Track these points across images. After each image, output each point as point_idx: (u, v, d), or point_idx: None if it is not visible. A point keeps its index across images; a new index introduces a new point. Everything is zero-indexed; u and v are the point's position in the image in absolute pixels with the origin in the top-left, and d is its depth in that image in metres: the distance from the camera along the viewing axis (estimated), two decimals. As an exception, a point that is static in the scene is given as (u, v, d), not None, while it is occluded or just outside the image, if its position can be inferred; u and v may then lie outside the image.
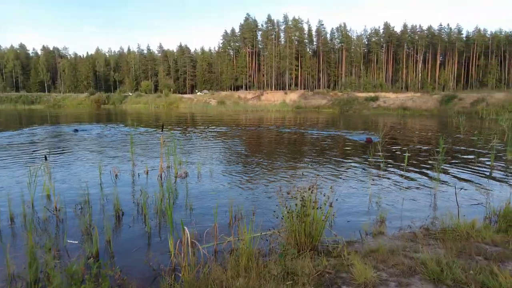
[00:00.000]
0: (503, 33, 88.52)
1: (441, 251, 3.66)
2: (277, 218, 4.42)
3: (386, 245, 4.10)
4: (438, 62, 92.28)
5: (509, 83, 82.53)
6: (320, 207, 4.22)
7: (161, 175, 8.69)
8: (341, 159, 11.54)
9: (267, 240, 4.51)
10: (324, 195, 4.41)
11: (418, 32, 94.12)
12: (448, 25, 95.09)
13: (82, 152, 12.73)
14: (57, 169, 9.65)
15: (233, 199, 6.07)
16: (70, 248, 4.74)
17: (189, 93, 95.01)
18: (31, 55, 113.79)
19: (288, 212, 4.20)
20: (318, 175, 9.08)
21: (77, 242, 4.78)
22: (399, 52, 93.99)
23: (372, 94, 60.39)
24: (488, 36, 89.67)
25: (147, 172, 9.15)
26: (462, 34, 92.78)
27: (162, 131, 9.08)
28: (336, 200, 4.97)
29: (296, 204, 4.23)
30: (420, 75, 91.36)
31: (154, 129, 22.03)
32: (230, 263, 3.70)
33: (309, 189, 4.16)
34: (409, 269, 3.15)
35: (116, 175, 8.86)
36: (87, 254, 4.42)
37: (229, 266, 3.66)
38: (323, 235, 4.28)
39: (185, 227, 3.65)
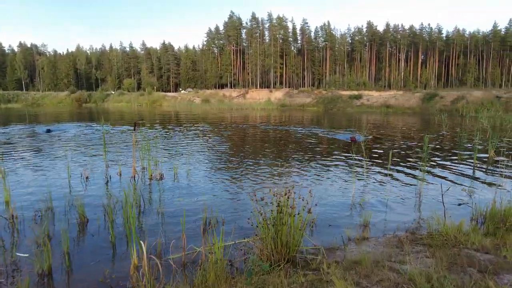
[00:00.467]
0: (480, 33, 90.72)
1: (429, 262, 3.32)
2: (252, 225, 4.01)
3: (370, 254, 3.75)
4: (420, 60, 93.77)
5: (487, 82, 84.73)
6: (299, 214, 3.84)
7: (134, 177, 8.16)
8: (325, 159, 11.29)
9: (241, 250, 4.11)
10: (303, 200, 4.03)
11: (400, 32, 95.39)
12: (429, 25, 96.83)
13: (52, 154, 12.00)
14: (22, 172, 8.97)
15: (207, 204, 5.62)
16: (21, 262, 4.21)
17: (173, 91, 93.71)
18: (7, 51, 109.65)
19: (263, 219, 3.80)
20: (299, 174, 8.73)
21: (27, 255, 4.24)
22: (382, 51, 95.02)
23: (355, 92, 60.77)
24: (467, 36, 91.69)
25: (120, 174, 8.61)
26: (442, 34, 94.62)
27: (135, 130, 8.50)
28: (316, 205, 4.61)
29: (272, 211, 3.83)
30: (402, 73, 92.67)
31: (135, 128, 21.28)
32: (196, 280, 3.26)
33: (285, 194, 3.76)
34: (396, 286, 2.79)
35: (87, 177, 8.32)
36: (37, 270, 3.90)
37: (195, 283, 3.23)
38: (301, 244, 3.89)
39: (142, 242, 3.19)
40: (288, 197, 3.83)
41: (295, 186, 5.28)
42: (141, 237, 4.81)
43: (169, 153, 12.16)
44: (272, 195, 3.96)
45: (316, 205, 4.60)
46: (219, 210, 5.68)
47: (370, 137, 16.83)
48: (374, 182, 8.07)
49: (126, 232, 4.32)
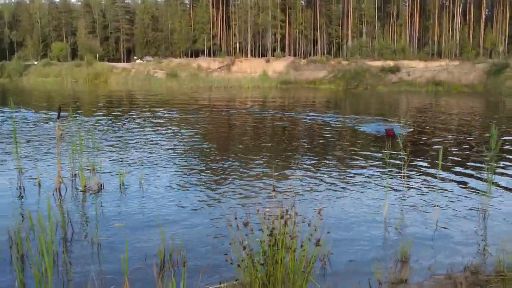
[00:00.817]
0: None
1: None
2: (231, 264, 3.90)
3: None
4: (483, 17, 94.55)
5: None
6: (302, 247, 3.76)
7: (59, 189, 8.02)
8: (346, 161, 11.40)
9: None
10: (309, 225, 3.93)
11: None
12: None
13: None
14: None
15: (166, 231, 5.50)
16: None
17: (124, 61, 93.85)
18: None
19: (247, 255, 3.68)
20: (306, 185, 8.66)
21: None
22: (429, 2, 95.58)
23: (390, 63, 61.26)
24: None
25: (40, 184, 8.55)
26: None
27: (58, 118, 8.36)
28: (328, 233, 4.49)
29: (261, 242, 3.72)
30: (458, 35, 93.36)
31: (66, 115, 21.15)
32: None
33: (282, 217, 3.69)
34: None
35: (-12, 190, 8.19)
36: None
37: None
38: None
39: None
40: (286, 222, 3.73)
41: (297, 203, 5.17)
42: (64, 281, 4.73)
43: (114, 153, 12.16)
44: (262, 219, 3.85)
45: (328, 232, 4.50)
46: (184, 240, 5.58)
47: (411, 129, 16.81)
48: (417, 195, 8.10)
49: (38, 274, 4.17)
